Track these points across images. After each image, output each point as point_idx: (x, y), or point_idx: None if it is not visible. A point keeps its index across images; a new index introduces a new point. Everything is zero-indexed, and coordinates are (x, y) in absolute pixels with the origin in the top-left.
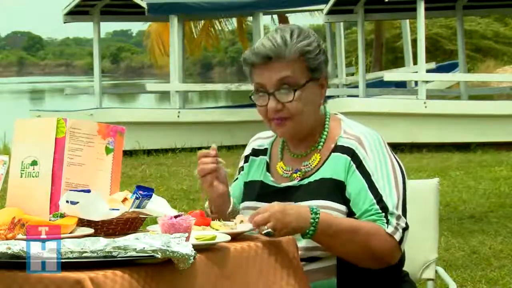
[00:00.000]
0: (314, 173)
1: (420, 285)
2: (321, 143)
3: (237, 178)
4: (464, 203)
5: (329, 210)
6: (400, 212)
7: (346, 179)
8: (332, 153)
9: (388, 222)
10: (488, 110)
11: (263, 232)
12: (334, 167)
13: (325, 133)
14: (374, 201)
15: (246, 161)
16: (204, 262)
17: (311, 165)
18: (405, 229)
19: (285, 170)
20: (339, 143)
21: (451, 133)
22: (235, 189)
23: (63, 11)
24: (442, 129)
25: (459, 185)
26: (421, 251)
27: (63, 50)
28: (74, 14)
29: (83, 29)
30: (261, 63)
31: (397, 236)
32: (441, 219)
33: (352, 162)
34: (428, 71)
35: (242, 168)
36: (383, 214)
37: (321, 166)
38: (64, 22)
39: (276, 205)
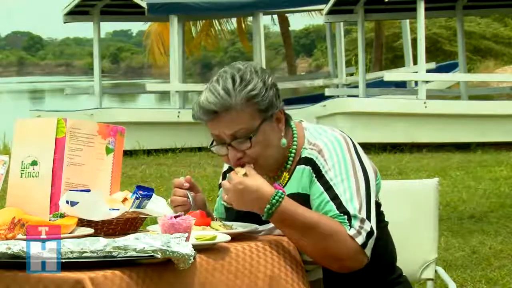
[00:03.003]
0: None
1: (419, 285)
2: (290, 163)
3: (219, 195)
4: (464, 203)
5: None
6: (364, 215)
7: (310, 191)
8: (297, 166)
9: (350, 225)
10: (488, 110)
11: (222, 202)
12: (299, 180)
13: (292, 153)
14: (334, 207)
15: (224, 177)
16: (204, 262)
17: (282, 184)
18: (370, 233)
19: None
20: (302, 155)
21: (451, 133)
22: (219, 204)
23: (63, 11)
24: (442, 129)
25: (459, 185)
26: (421, 251)
27: (63, 50)
28: (74, 14)
29: (83, 29)
30: (210, 118)
31: (359, 240)
32: (441, 219)
33: (313, 173)
34: (428, 71)
35: (220, 185)
36: (346, 217)
37: (288, 181)
38: (64, 22)
39: (238, 184)
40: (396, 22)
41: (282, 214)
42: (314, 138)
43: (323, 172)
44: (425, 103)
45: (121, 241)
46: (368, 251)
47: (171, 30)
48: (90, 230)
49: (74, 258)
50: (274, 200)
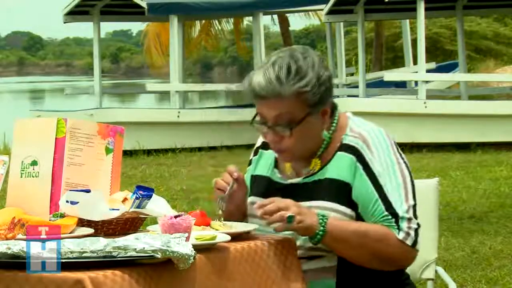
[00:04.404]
0: (319, 171)
1: (420, 285)
2: (321, 151)
3: (247, 171)
4: (464, 203)
5: (334, 213)
6: (411, 214)
7: (352, 181)
8: (338, 152)
9: (399, 228)
10: (488, 110)
11: (286, 215)
12: (339, 166)
13: (326, 141)
14: (383, 208)
15: (255, 153)
16: (204, 262)
17: (313, 170)
18: (417, 229)
19: (292, 167)
20: (344, 142)
21: (451, 133)
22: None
23: (63, 11)
24: (442, 129)
25: (459, 185)
26: (421, 251)
27: (63, 50)
28: (74, 14)
29: (83, 29)
30: (257, 100)
31: (409, 241)
32: (441, 219)
33: (358, 163)
34: (428, 71)
35: (250, 162)
36: (394, 220)
37: (326, 165)
38: (64, 22)
39: (288, 200)
40: (396, 22)
41: (332, 227)
42: (357, 126)
43: (370, 165)
44: (425, 103)
45: (121, 241)
46: (419, 245)
47: (171, 30)
48: (90, 230)
49: (74, 258)
50: (321, 213)
